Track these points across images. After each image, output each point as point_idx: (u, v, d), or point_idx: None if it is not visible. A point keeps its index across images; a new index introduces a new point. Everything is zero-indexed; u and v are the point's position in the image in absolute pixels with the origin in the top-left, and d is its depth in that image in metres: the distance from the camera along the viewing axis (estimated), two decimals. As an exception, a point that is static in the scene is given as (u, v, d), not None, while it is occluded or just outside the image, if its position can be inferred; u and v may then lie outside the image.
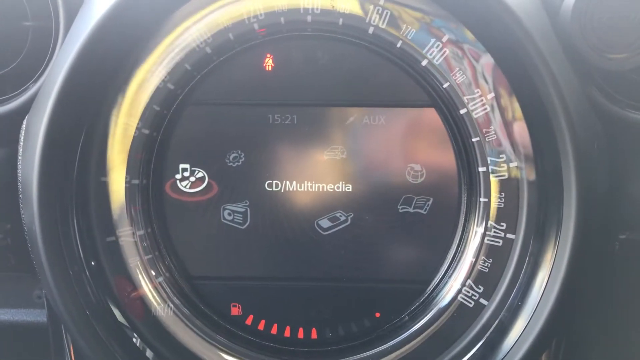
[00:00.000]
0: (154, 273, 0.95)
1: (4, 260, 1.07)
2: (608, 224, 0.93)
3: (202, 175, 0.95)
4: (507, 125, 0.89)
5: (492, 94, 0.89)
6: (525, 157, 0.89)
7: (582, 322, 1.04)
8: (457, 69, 0.89)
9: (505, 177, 0.90)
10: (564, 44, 0.86)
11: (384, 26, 0.89)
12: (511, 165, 0.90)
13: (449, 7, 0.87)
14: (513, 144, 0.90)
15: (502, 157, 0.90)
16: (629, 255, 1.00)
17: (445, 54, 0.89)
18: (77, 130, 0.90)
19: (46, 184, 0.86)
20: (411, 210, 0.96)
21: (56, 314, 0.89)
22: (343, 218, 0.96)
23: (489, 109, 0.90)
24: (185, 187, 0.95)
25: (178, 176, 0.95)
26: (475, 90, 0.89)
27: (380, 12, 0.89)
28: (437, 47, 0.89)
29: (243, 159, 0.95)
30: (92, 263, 0.91)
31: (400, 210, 0.96)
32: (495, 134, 0.90)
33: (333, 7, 0.89)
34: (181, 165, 0.95)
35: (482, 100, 0.89)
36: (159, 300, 0.95)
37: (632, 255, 1.00)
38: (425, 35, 0.89)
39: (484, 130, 0.90)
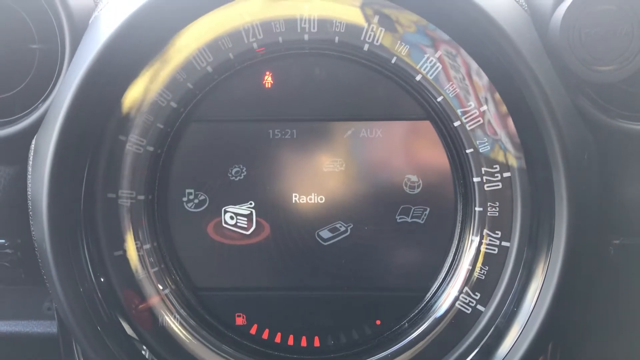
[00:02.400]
0: (160, 285, 0.98)
1: (15, 274, 1.10)
2: (601, 230, 0.95)
3: (204, 198, 0.98)
4: (500, 137, 0.92)
5: (485, 107, 0.92)
6: (518, 168, 0.92)
7: (578, 326, 1.06)
8: (450, 83, 0.92)
9: (499, 187, 0.93)
10: (554, 57, 0.88)
11: (378, 43, 0.92)
12: (505, 175, 0.93)
13: (440, 25, 0.90)
14: (506, 155, 0.92)
15: (496, 168, 0.93)
16: (623, 259, 1.02)
17: (438, 69, 0.92)
18: (84, 148, 0.93)
19: (55, 201, 0.88)
20: (409, 220, 0.98)
21: (66, 326, 0.92)
22: (343, 229, 0.99)
23: (482, 121, 0.92)
24: (190, 207, 0.99)
25: (184, 198, 0.98)
26: (469, 104, 0.92)
27: (375, 29, 0.92)
28: (430, 63, 0.92)
29: (245, 173, 0.98)
30: (102, 279, 0.94)
31: (398, 220, 0.98)
32: (488, 145, 0.93)
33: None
34: (187, 190, 0.98)
35: (475, 112, 0.92)
36: (166, 312, 0.98)
37: (626, 259, 1.02)
38: (419, 51, 0.92)
39: (477, 142, 0.93)
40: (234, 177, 0.98)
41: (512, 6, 0.89)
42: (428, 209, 0.98)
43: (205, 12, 0.92)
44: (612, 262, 1.02)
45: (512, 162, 0.92)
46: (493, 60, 0.88)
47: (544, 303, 0.87)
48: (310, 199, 0.99)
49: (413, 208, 0.98)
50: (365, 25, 0.92)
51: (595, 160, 0.90)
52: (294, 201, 0.98)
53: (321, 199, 0.98)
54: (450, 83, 0.92)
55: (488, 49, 0.86)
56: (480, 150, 0.93)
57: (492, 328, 0.94)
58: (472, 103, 0.92)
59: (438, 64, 0.92)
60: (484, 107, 0.92)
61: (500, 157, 0.93)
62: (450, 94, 0.92)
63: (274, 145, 0.98)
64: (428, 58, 0.92)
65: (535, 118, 0.84)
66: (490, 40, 0.84)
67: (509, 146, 0.92)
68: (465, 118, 0.93)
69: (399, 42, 0.92)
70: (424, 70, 0.92)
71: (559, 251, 0.86)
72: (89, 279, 0.93)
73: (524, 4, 0.92)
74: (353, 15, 0.91)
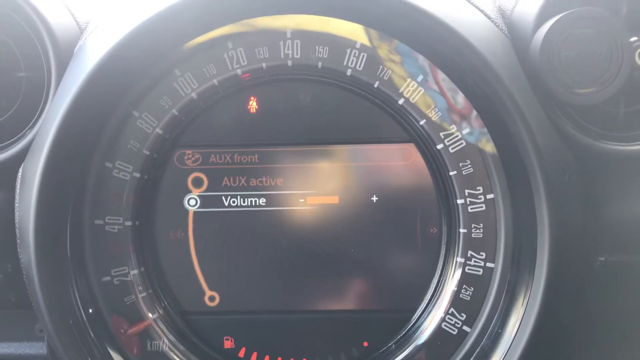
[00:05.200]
0: (149, 311, 0.98)
1: (5, 299, 1.10)
2: (586, 248, 0.96)
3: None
4: (483, 159, 0.93)
5: (468, 129, 0.93)
6: (501, 190, 0.93)
7: (565, 343, 1.06)
8: (433, 106, 0.93)
9: (483, 208, 0.94)
10: (534, 80, 0.89)
11: (361, 68, 0.93)
12: (488, 197, 0.94)
13: (421, 50, 0.91)
14: (489, 177, 0.93)
15: (479, 190, 0.94)
16: (608, 276, 1.03)
17: (420, 93, 0.93)
18: (70, 175, 0.93)
19: (42, 228, 0.89)
20: (396, 242, 0.99)
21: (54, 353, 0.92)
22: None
23: (464, 144, 0.93)
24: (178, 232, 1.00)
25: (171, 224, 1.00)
26: (451, 127, 0.93)
27: (357, 55, 0.93)
28: (412, 87, 0.93)
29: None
30: (90, 305, 0.95)
31: (384, 242, 0.99)
32: (471, 167, 0.94)
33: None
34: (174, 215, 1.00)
35: (457, 135, 0.93)
36: (154, 337, 0.98)
37: (611, 276, 1.03)
38: (401, 75, 0.93)
39: (460, 164, 0.94)
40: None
41: (492, 30, 0.90)
42: (414, 231, 0.99)
43: (190, 40, 0.93)
44: (597, 280, 1.03)
45: (495, 184, 0.93)
46: (472, 84, 0.89)
47: (527, 324, 0.88)
48: (296, 222, 0.99)
49: (399, 230, 0.99)
50: (348, 50, 0.93)
51: (576, 181, 0.91)
52: (281, 226, 0.99)
53: (307, 222, 0.99)
54: (433, 106, 0.93)
55: (467, 73, 0.88)
56: (464, 173, 0.94)
57: (478, 349, 0.95)
58: (454, 126, 0.93)
59: (420, 87, 0.93)
60: (466, 130, 0.93)
61: (484, 179, 0.94)
62: (432, 117, 0.93)
63: (260, 173, 0.99)
64: (410, 82, 0.93)
65: (515, 141, 0.85)
66: (469, 65, 0.86)
67: (492, 168, 0.93)
68: (448, 141, 0.94)
69: (381, 67, 0.93)
70: (407, 94, 0.93)
71: (541, 272, 0.87)
72: (77, 306, 0.93)
73: (504, 28, 0.93)
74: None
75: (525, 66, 0.90)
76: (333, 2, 0.88)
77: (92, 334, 0.93)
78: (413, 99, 0.93)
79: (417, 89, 0.93)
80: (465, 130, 0.93)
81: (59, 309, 0.90)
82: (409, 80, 0.93)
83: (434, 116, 0.93)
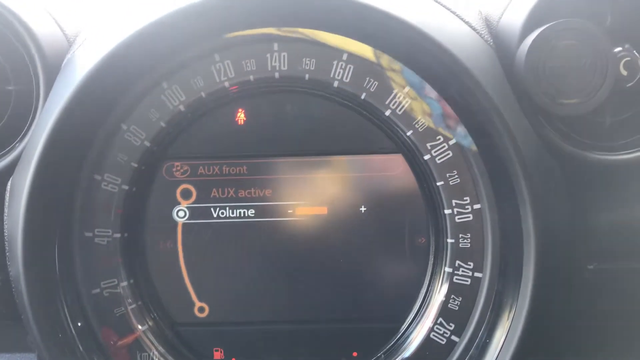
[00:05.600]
0: (138, 322, 0.99)
1: (-5, 310, 1.10)
2: (574, 256, 0.96)
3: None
4: (470, 170, 0.94)
5: (454, 140, 0.94)
6: (487, 200, 0.93)
7: (554, 352, 1.07)
8: (419, 117, 0.94)
9: (470, 218, 0.95)
10: (519, 91, 0.90)
11: (348, 80, 0.94)
12: (475, 207, 0.94)
13: (406, 62, 0.91)
14: (476, 187, 0.94)
15: (466, 200, 0.94)
16: (598, 284, 1.03)
17: (407, 104, 0.94)
18: (59, 188, 0.93)
19: (30, 241, 0.89)
20: (384, 252, 1.00)
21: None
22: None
23: (451, 154, 0.94)
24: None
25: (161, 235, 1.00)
26: (437, 137, 0.94)
27: (343, 67, 0.93)
28: (399, 98, 0.94)
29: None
30: (80, 317, 0.95)
31: (373, 252, 1.00)
32: (458, 177, 0.94)
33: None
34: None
35: (444, 146, 0.94)
36: (144, 349, 0.99)
37: (601, 284, 1.03)
38: (387, 86, 0.94)
39: (447, 174, 0.94)
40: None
41: (477, 42, 0.91)
42: (402, 241, 0.99)
43: (178, 54, 0.93)
44: (587, 288, 1.03)
45: (482, 194, 0.94)
46: (457, 95, 0.89)
47: (515, 334, 0.88)
48: (284, 234, 1.00)
49: (388, 240, 0.99)
50: (335, 62, 0.93)
51: (562, 191, 0.91)
52: (269, 237, 1.00)
53: (295, 234, 1.00)
54: (420, 117, 0.94)
55: (451, 84, 0.88)
56: (451, 183, 0.94)
57: (466, 359, 0.95)
58: (441, 137, 0.94)
59: (407, 99, 0.93)
60: (453, 141, 0.93)
61: (470, 190, 0.94)
62: (419, 128, 0.94)
63: (248, 184, 0.99)
64: (397, 93, 0.93)
65: (500, 152, 0.86)
66: (453, 77, 0.86)
67: (478, 178, 0.93)
68: (435, 152, 0.94)
69: (367, 78, 0.93)
70: (393, 105, 0.94)
71: (528, 281, 0.87)
72: (66, 319, 0.94)
73: (489, 39, 0.94)
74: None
75: (511, 77, 0.91)
76: (306, 15, 0.89)
77: (81, 347, 0.93)
78: (400, 110, 0.94)
79: (404, 100, 0.93)
80: (452, 141, 0.94)
81: (48, 322, 0.90)
82: (395, 91, 0.93)
83: (420, 127, 0.94)
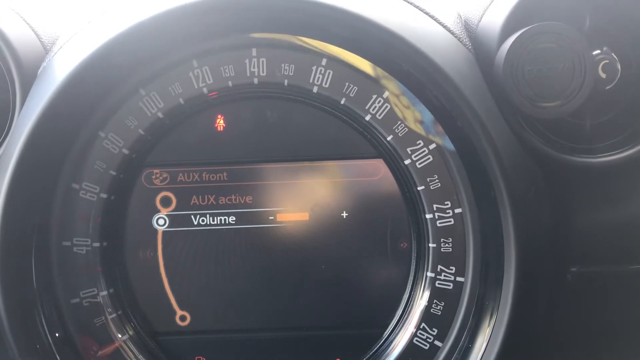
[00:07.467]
0: (118, 332, 0.97)
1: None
2: (556, 260, 0.96)
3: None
4: (450, 174, 0.94)
5: (434, 145, 0.93)
6: (469, 204, 0.93)
7: (537, 356, 1.07)
8: (399, 122, 0.93)
9: (452, 223, 0.94)
10: (498, 95, 0.90)
11: (327, 85, 0.93)
12: (456, 211, 0.94)
13: (383, 66, 0.91)
14: (457, 191, 0.94)
15: (447, 204, 0.94)
16: (580, 287, 1.03)
17: (387, 109, 0.93)
18: (36, 198, 0.92)
19: (7, 251, 0.88)
20: (366, 258, 0.99)
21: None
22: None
23: (431, 158, 0.94)
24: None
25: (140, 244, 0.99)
26: (418, 142, 0.93)
27: (323, 72, 0.93)
28: (379, 103, 0.93)
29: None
30: (57, 333, 0.94)
31: (355, 258, 0.99)
32: (439, 182, 0.94)
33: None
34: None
35: (424, 151, 0.93)
36: (124, 358, 0.97)
37: (583, 287, 1.03)
38: (367, 92, 0.93)
39: (428, 179, 0.94)
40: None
41: (455, 45, 0.91)
42: (384, 246, 0.99)
43: (156, 60, 0.92)
44: (570, 291, 1.03)
45: (463, 198, 0.93)
46: (435, 100, 0.89)
47: (497, 338, 0.88)
48: (268, 241, 0.99)
49: (370, 246, 0.99)
50: (314, 68, 0.93)
51: (543, 194, 0.91)
52: (251, 245, 0.99)
53: (278, 240, 0.99)
54: (399, 122, 0.93)
55: (430, 89, 0.88)
56: (431, 187, 0.94)
57: (450, 364, 0.95)
58: (421, 142, 0.93)
59: (386, 104, 0.93)
60: (433, 146, 0.93)
61: (451, 194, 0.94)
62: (399, 133, 0.94)
63: (229, 191, 0.98)
64: (376, 98, 0.93)
65: (480, 156, 0.86)
66: (431, 81, 0.86)
67: (459, 183, 0.93)
68: (415, 156, 0.94)
69: (347, 83, 0.93)
70: (373, 110, 0.93)
71: (509, 285, 0.87)
72: (43, 330, 0.92)
73: (468, 43, 0.94)
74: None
75: (490, 80, 0.90)
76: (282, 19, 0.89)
77: (59, 358, 0.92)
78: (380, 115, 0.93)
79: (384, 105, 0.93)
80: (432, 146, 0.93)
81: (25, 333, 0.89)
82: (374, 96, 0.93)
83: (400, 132, 0.93)
